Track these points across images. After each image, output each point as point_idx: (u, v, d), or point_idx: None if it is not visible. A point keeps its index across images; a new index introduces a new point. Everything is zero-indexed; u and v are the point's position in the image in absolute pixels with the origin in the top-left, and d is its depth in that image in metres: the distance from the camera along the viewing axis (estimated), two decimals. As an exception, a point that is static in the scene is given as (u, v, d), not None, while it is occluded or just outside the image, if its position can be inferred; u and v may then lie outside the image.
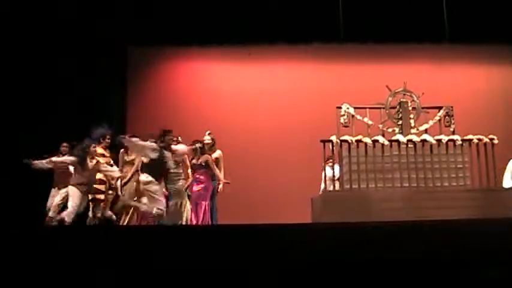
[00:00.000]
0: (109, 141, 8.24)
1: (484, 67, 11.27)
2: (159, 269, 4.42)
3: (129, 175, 8.14)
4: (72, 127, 9.35)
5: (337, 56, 11.07)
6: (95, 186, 7.92)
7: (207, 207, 8.14)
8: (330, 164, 9.21)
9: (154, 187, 7.35)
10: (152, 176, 7.33)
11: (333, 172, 9.07)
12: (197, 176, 8.22)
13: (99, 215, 7.95)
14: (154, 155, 7.37)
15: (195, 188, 8.18)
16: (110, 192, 8.16)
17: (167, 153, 7.50)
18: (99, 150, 8.08)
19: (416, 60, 10.91)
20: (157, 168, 7.40)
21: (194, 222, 7.94)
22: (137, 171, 8.01)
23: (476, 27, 10.23)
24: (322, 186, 9.26)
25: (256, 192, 8.65)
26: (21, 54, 9.58)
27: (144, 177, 7.38)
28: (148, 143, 7.45)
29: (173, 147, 7.59)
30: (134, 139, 7.54)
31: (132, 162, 8.22)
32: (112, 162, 8.32)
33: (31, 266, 4.40)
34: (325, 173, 9.03)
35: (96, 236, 5.12)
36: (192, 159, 8.32)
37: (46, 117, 9.56)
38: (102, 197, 7.99)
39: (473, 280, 4.51)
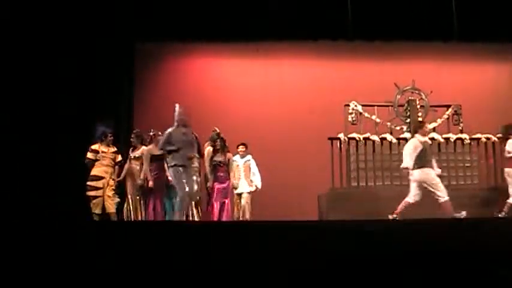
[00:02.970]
0: (111, 138, 8.24)
1: (493, 65, 11.18)
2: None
3: (142, 174, 8.13)
4: (79, 125, 9.37)
5: (346, 54, 10.99)
6: (90, 183, 7.95)
7: (229, 205, 8.30)
8: (242, 150, 8.68)
9: None
10: None
11: (249, 165, 8.64)
12: (220, 174, 8.23)
13: (96, 211, 7.93)
14: None
15: (219, 185, 8.21)
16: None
17: None
18: (102, 148, 8.10)
19: (424, 58, 10.84)
20: None
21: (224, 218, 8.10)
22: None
23: (485, 25, 10.13)
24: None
25: (262, 188, 8.63)
26: (28, 54, 9.53)
27: None
28: None
29: None
30: None
31: (138, 158, 8.24)
32: (120, 158, 8.33)
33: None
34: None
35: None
36: (213, 156, 8.30)
37: (53, 116, 9.55)
38: (99, 193, 7.96)
39: (478, 279, 4.49)
